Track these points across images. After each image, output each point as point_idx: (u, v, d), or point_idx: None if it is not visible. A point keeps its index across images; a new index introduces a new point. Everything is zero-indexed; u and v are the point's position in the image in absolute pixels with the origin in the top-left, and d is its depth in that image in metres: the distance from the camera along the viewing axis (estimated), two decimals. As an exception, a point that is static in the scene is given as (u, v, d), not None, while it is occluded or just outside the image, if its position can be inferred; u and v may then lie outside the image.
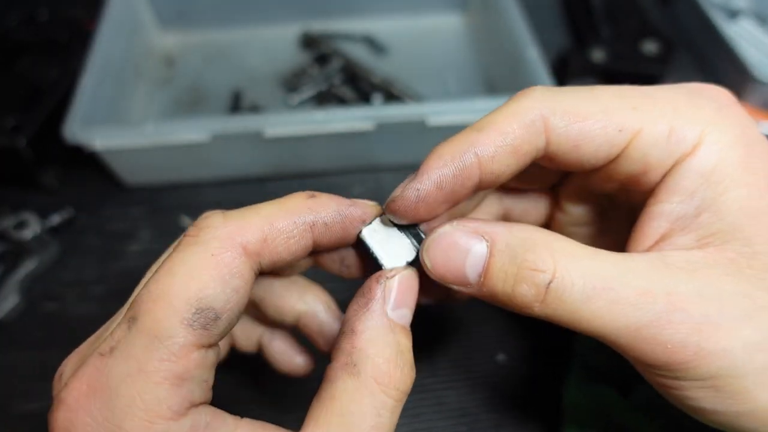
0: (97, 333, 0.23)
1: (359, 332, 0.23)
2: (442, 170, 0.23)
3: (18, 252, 0.49)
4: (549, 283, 0.21)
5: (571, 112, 0.23)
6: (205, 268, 0.21)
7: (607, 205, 0.30)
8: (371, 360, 0.22)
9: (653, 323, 0.21)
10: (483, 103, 0.52)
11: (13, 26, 0.63)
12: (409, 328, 0.24)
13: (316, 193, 0.24)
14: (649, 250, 0.23)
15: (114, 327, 0.21)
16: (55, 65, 0.58)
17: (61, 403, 0.20)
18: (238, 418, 0.22)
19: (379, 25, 0.71)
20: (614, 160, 0.23)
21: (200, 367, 0.21)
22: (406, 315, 0.24)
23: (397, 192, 0.24)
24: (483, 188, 0.24)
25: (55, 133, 0.49)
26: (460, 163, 0.23)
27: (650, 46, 0.63)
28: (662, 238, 0.23)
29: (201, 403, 0.21)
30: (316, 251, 0.25)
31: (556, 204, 0.32)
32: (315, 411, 0.22)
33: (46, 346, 0.45)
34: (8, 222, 0.51)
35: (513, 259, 0.22)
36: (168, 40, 0.70)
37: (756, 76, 0.62)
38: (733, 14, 0.70)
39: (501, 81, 0.63)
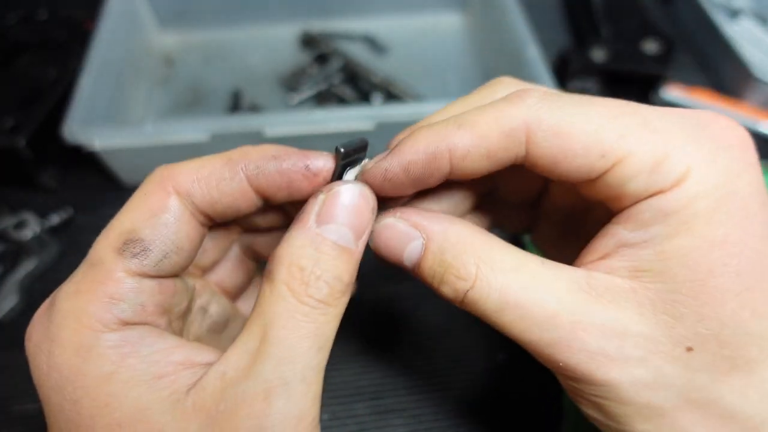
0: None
1: (282, 243, 0.23)
2: (412, 156, 0.24)
3: (17, 252, 0.49)
4: (467, 291, 0.23)
5: (556, 128, 0.22)
6: (138, 207, 0.24)
7: (583, 212, 0.30)
8: (284, 266, 0.22)
9: (554, 344, 0.22)
10: (483, 103, 0.52)
11: (12, 26, 0.62)
12: (347, 247, 0.24)
13: (255, 146, 0.26)
14: (587, 264, 0.24)
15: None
16: (55, 65, 0.58)
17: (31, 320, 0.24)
18: (184, 340, 0.24)
19: (379, 25, 0.71)
20: (592, 180, 0.23)
21: (134, 291, 0.23)
22: (337, 231, 0.23)
23: (368, 165, 0.25)
24: (452, 179, 0.25)
25: (54, 133, 0.49)
26: (432, 155, 0.23)
27: (651, 46, 0.63)
28: (602, 257, 0.23)
29: (138, 324, 0.23)
30: (270, 201, 0.26)
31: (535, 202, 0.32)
32: (248, 319, 0.23)
33: (46, 346, 0.45)
34: (8, 222, 0.50)
35: (441, 262, 0.24)
36: (168, 40, 0.70)
37: (756, 76, 0.62)
38: (733, 14, 0.70)
39: (501, 80, 0.63)
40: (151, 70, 0.66)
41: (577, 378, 0.22)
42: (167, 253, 0.24)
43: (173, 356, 0.23)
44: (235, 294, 0.34)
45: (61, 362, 0.22)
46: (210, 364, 0.23)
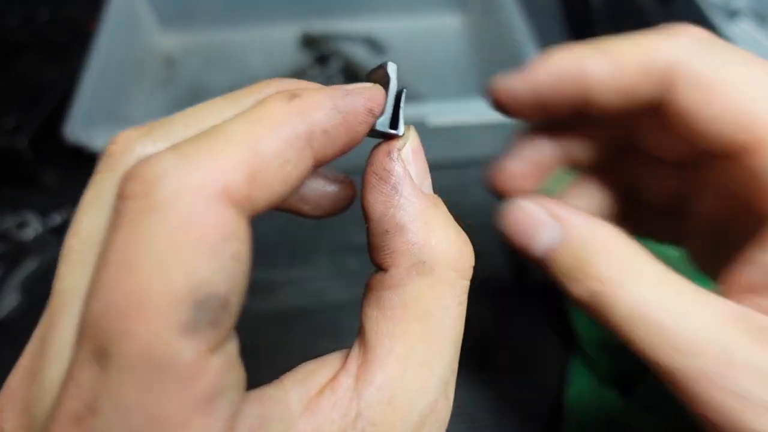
0: (25, 363, 0.17)
1: (408, 225, 0.19)
2: (544, 76, 0.22)
3: (19, 252, 0.49)
4: (599, 294, 0.20)
5: (707, 78, 0.19)
6: (185, 243, 0.14)
7: (736, 220, 0.26)
8: (439, 249, 0.18)
9: (696, 377, 0.19)
10: (483, 103, 0.52)
11: (13, 26, 0.63)
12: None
13: (298, 90, 0.17)
14: (735, 296, 0.21)
15: (74, 368, 0.14)
16: (56, 65, 0.58)
17: None
18: (278, 382, 0.18)
19: (379, 25, 0.71)
20: (735, 160, 0.20)
21: (227, 370, 0.15)
22: (430, 185, 0.20)
23: (498, 84, 0.23)
24: (585, 116, 0.23)
25: (56, 134, 0.49)
26: (564, 77, 0.21)
27: (650, 46, 0.63)
28: (751, 291, 0.20)
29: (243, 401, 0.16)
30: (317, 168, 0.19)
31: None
32: (385, 327, 0.18)
33: (47, 345, 0.45)
34: (9, 222, 0.51)
35: (578, 258, 0.21)
36: (168, 41, 0.70)
37: (755, 76, 0.62)
38: (732, 14, 0.70)
39: (501, 81, 0.63)
40: (152, 70, 0.67)
41: (714, 419, 0.19)
42: (243, 294, 0.16)
43: (292, 407, 0.17)
44: None
45: None
46: (321, 391, 0.18)
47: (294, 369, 0.18)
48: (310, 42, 0.69)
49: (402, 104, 0.20)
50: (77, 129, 0.48)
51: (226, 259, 0.14)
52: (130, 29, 0.63)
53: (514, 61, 0.58)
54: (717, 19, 0.68)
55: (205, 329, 0.14)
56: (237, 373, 0.15)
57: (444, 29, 0.72)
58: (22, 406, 0.16)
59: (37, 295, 0.48)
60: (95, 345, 0.14)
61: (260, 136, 0.15)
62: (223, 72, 0.67)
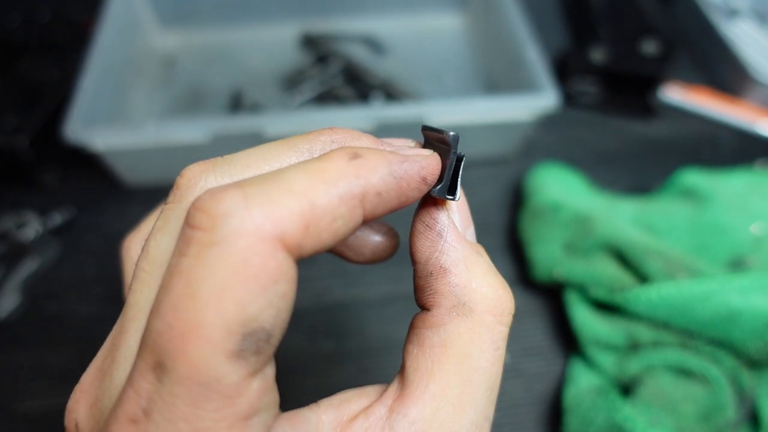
0: (97, 364, 0.19)
1: (451, 268, 0.20)
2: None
3: (19, 252, 0.49)
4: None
5: None
6: (239, 280, 0.16)
7: None
8: (479, 293, 0.20)
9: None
10: (483, 103, 0.52)
11: (14, 27, 0.63)
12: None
13: (359, 150, 0.18)
14: None
15: (125, 370, 0.17)
16: (56, 66, 0.58)
17: None
18: (314, 405, 0.19)
19: (379, 26, 0.71)
20: None
21: (264, 393, 0.17)
22: (473, 233, 0.22)
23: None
24: None
25: (56, 134, 0.49)
26: None
27: (650, 46, 0.63)
28: None
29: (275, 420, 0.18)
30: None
31: None
32: (423, 365, 0.19)
33: (47, 346, 0.46)
34: (9, 222, 0.51)
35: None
36: (168, 40, 0.70)
37: (754, 76, 0.62)
38: (732, 14, 0.70)
39: (501, 81, 0.64)
40: (152, 70, 0.67)
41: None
42: (285, 328, 0.18)
43: (323, 429, 0.19)
44: None
45: None
46: (355, 417, 0.19)
47: (333, 395, 0.20)
48: (310, 42, 0.69)
49: (461, 172, 0.21)
50: (77, 129, 0.48)
51: (275, 298, 0.16)
52: (130, 29, 0.63)
53: (514, 61, 0.58)
54: (717, 18, 0.68)
55: (249, 357, 0.16)
56: (272, 395, 0.17)
57: (444, 29, 0.72)
58: (92, 401, 0.18)
59: (37, 296, 0.49)
60: (155, 358, 0.16)
61: (318, 191, 0.17)
62: (223, 72, 0.67)
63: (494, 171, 0.58)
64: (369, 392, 0.20)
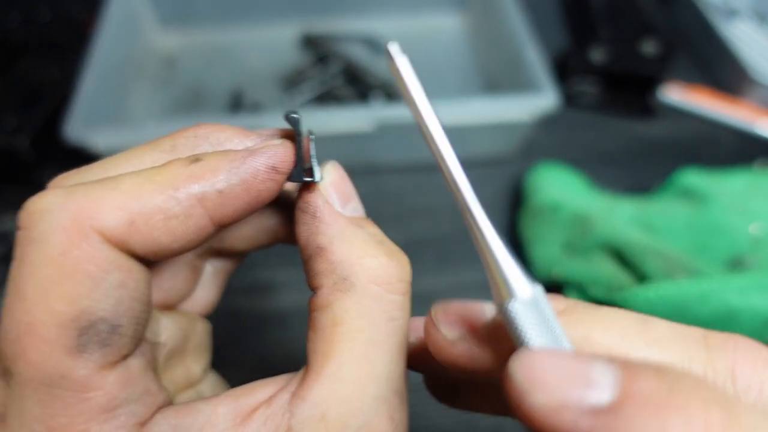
0: None
1: (327, 246, 0.19)
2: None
3: (19, 252, 0.49)
4: None
5: None
6: (62, 274, 0.15)
7: None
8: (360, 265, 0.19)
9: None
10: (482, 104, 0.52)
11: (14, 27, 0.63)
12: (368, 217, 0.21)
13: (201, 155, 0.18)
14: None
15: None
16: (56, 65, 0.58)
17: None
18: (214, 397, 0.19)
19: (379, 26, 0.71)
20: None
21: (126, 384, 0.16)
22: (356, 207, 0.21)
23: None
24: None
25: (56, 134, 0.49)
26: None
27: (649, 46, 0.63)
28: None
29: (155, 412, 0.18)
30: (222, 226, 0.19)
31: None
32: (319, 347, 0.19)
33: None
34: (9, 222, 0.51)
35: None
36: (168, 40, 0.70)
37: (754, 76, 0.62)
38: (732, 14, 0.70)
39: (501, 81, 0.64)
40: (152, 70, 0.67)
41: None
42: (140, 318, 0.17)
43: (217, 421, 0.18)
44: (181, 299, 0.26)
45: None
46: (257, 407, 0.18)
47: (238, 386, 0.19)
48: (310, 42, 0.69)
49: (313, 151, 0.20)
50: (77, 129, 0.48)
51: (110, 288, 0.16)
52: (130, 29, 0.63)
53: (514, 61, 0.58)
54: (716, 19, 0.68)
55: (94, 350, 0.16)
56: (140, 386, 0.17)
57: (444, 29, 0.72)
58: None
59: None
60: (1, 365, 0.16)
61: (145, 190, 0.17)
62: (223, 72, 0.67)
63: (494, 171, 0.58)
64: (277, 381, 0.19)
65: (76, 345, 0.15)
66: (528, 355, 0.13)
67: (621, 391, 0.12)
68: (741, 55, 0.63)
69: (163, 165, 0.18)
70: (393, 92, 0.62)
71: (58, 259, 0.15)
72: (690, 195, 0.51)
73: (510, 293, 0.15)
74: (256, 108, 0.63)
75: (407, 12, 0.72)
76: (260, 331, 0.47)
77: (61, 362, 0.15)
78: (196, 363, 0.24)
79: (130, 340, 0.17)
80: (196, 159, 0.18)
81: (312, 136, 0.21)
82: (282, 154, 0.19)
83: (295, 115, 0.20)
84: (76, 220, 0.16)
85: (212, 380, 0.25)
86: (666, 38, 0.64)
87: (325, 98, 0.64)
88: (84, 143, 0.48)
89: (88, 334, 0.16)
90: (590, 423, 0.12)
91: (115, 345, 0.16)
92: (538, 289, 0.16)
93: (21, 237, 0.16)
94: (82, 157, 0.51)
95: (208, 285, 0.26)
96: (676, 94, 0.65)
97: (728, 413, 0.12)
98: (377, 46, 0.69)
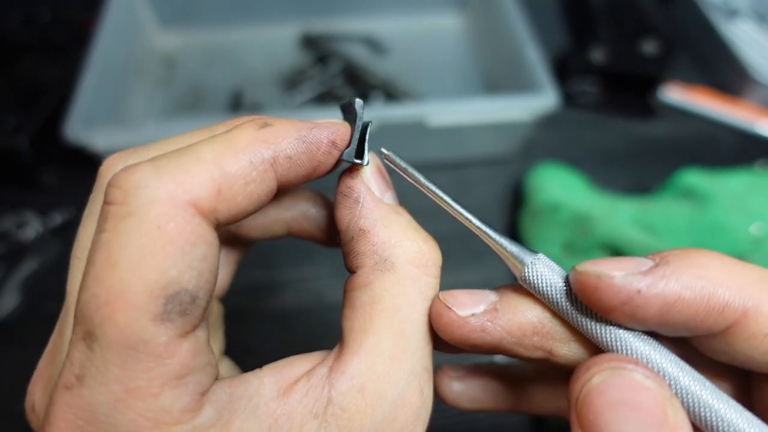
0: (49, 348, 0.21)
1: (370, 229, 0.21)
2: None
3: (19, 252, 0.49)
4: None
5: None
6: (156, 246, 0.16)
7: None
8: (400, 247, 0.21)
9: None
10: (482, 103, 0.52)
11: (14, 27, 0.63)
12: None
13: (269, 119, 0.20)
14: None
15: (68, 347, 0.18)
16: (56, 66, 0.58)
17: None
18: (258, 370, 0.20)
19: (379, 25, 0.71)
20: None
21: (196, 354, 0.17)
22: (393, 197, 0.23)
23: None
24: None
25: (56, 134, 0.49)
26: None
27: (650, 46, 0.63)
28: None
29: (214, 382, 0.19)
30: (281, 190, 0.21)
31: None
32: (357, 324, 0.20)
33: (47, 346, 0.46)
34: (9, 222, 0.51)
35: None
36: (168, 40, 0.70)
37: (754, 76, 0.62)
38: (732, 14, 0.70)
39: (501, 81, 0.64)
40: (152, 70, 0.67)
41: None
42: (212, 290, 0.18)
43: (264, 391, 0.19)
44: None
45: None
46: (298, 379, 0.19)
47: (274, 365, 0.20)
48: (310, 42, 0.69)
49: (367, 137, 0.22)
50: (77, 129, 0.48)
51: (195, 260, 0.17)
52: (130, 29, 0.63)
53: (514, 61, 0.58)
54: (717, 18, 0.68)
55: (175, 319, 0.17)
56: (206, 357, 0.18)
57: (444, 29, 0.72)
58: (45, 382, 0.20)
59: (37, 295, 0.49)
60: (84, 328, 0.17)
61: (227, 157, 0.18)
62: (223, 72, 0.67)
63: (494, 171, 0.58)
64: (313, 357, 0.20)
65: (161, 312, 0.16)
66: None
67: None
68: (741, 55, 0.63)
69: (235, 128, 0.19)
70: (393, 92, 0.62)
71: (154, 231, 0.16)
72: (690, 195, 0.51)
73: (522, 262, 0.21)
74: (256, 108, 0.63)
75: (407, 12, 0.72)
76: (260, 331, 0.47)
77: (146, 328, 0.16)
78: (214, 343, 0.25)
79: (203, 311, 0.18)
80: (265, 123, 0.19)
81: (369, 123, 0.22)
82: (343, 131, 0.21)
83: (359, 100, 0.22)
84: (171, 194, 0.17)
85: (227, 363, 0.26)
86: (666, 38, 0.64)
87: (325, 98, 0.64)
88: (84, 143, 0.48)
89: (172, 303, 0.17)
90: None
91: (192, 315, 0.17)
92: (540, 254, 0.21)
93: (116, 211, 0.17)
94: (81, 157, 0.51)
95: (221, 269, 0.27)
96: (676, 94, 0.65)
97: None
98: (377, 46, 0.69)
